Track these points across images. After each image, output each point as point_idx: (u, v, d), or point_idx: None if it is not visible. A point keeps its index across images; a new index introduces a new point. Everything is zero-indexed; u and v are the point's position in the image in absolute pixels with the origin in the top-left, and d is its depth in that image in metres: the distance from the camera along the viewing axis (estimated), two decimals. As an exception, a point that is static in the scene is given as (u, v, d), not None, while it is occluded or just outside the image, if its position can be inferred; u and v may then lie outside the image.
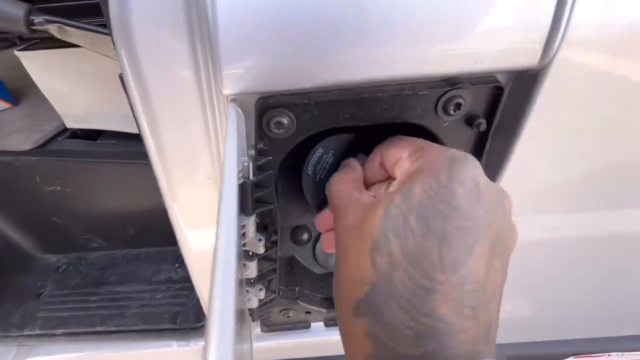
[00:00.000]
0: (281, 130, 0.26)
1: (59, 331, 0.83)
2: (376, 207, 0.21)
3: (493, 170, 0.32)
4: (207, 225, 0.42)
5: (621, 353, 0.63)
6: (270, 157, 0.28)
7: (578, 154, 0.31)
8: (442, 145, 0.23)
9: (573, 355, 0.63)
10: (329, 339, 0.59)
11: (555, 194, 0.35)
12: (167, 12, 0.25)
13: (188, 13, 0.24)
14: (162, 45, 0.26)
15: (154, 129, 0.33)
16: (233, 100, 0.25)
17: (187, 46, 0.26)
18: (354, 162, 0.29)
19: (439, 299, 0.17)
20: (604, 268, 0.52)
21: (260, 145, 0.27)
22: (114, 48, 0.31)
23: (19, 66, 0.77)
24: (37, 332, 0.83)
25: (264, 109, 0.25)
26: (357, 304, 0.19)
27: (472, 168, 0.20)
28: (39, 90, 0.80)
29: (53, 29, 0.55)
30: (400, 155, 0.23)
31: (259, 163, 0.28)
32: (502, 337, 0.63)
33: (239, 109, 0.24)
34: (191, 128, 0.31)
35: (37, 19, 0.53)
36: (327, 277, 0.52)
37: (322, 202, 0.40)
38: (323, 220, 0.32)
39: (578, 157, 0.31)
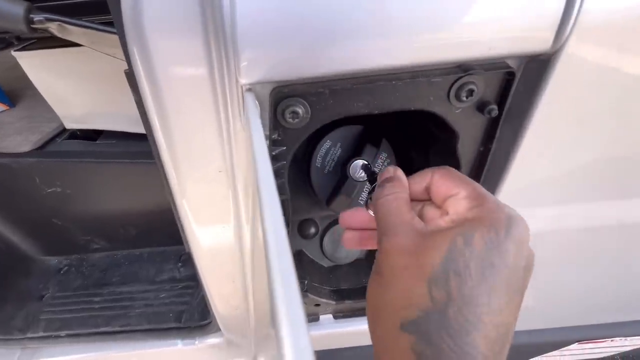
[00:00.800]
0: (296, 120, 0.26)
1: (62, 333, 0.83)
2: (437, 241, 0.23)
3: (503, 157, 0.32)
4: (216, 222, 0.42)
5: (624, 338, 0.64)
6: (284, 148, 0.29)
7: (589, 140, 0.31)
8: (497, 199, 0.25)
9: (577, 341, 0.64)
10: (338, 331, 0.59)
11: (564, 181, 0.36)
12: (180, 5, 0.25)
13: (202, 5, 0.24)
14: (174, 39, 0.26)
15: (165, 124, 0.32)
16: (249, 90, 0.25)
17: (200, 38, 0.26)
18: (401, 175, 0.28)
19: (480, 335, 0.21)
20: (607, 256, 0.52)
21: (275, 136, 0.27)
22: (122, 45, 0.31)
23: (15, 67, 0.76)
24: (41, 334, 0.83)
25: (279, 99, 0.25)
26: (406, 321, 0.22)
27: (524, 230, 0.23)
28: (36, 92, 0.79)
29: (53, 28, 0.54)
30: (455, 193, 0.25)
31: (273, 153, 0.28)
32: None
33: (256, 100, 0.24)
34: (203, 121, 0.31)
35: (37, 17, 0.52)
36: (335, 270, 0.52)
37: (331, 195, 0.40)
38: (349, 217, 0.31)
39: (588, 143, 0.32)
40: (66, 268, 0.98)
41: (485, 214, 0.23)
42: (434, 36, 0.23)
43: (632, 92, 0.28)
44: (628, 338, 0.64)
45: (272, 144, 0.28)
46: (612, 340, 0.65)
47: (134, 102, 0.40)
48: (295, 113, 0.26)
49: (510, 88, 0.27)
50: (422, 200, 0.28)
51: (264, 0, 0.21)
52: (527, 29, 0.24)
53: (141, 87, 0.31)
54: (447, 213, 0.25)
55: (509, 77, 0.26)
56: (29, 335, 0.82)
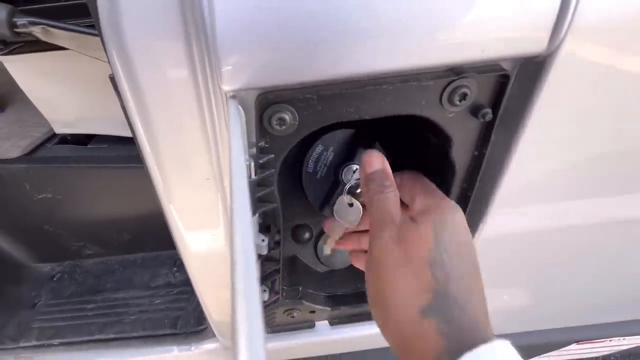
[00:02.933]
0: (283, 127, 0.25)
1: (56, 341, 0.82)
2: (423, 232, 0.26)
3: (498, 161, 0.31)
4: (206, 227, 0.41)
5: (622, 337, 0.64)
6: (272, 155, 0.28)
7: (585, 141, 0.31)
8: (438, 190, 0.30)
9: (575, 342, 0.64)
10: (334, 337, 0.58)
11: (560, 182, 0.35)
12: (159, 8, 0.24)
13: (182, 8, 0.23)
14: (155, 43, 0.25)
15: (149, 131, 0.31)
16: (233, 97, 0.24)
17: (182, 43, 0.25)
18: (388, 168, 0.31)
19: (476, 298, 0.24)
20: (603, 255, 0.52)
21: (262, 143, 0.26)
22: (104, 48, 0.30)
23: (2, 71, 0.75)
24: (34, 343, 0.81)
25: (265, 105, 0.24)
26: (425, 307, 0.24)
27: (461, 213, 0.28)
28: (25, 96, 0.78)
29: (38, 31, 0.53)
30: (417, 190, 0.30)
31: (261, 162, 0.27)
32: (505, 327, 0.64)
33: (240, 107, 0.23)
34: (188, 128, 0.30)
35: (21, 20, 0.51)
36: (330, 275, 0.51)
37: (324, 201, 0.39)
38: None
39: (585, 144, 0.31)
40: (59, 275, 0.96)
41: (441, 204, 0.28)
42: (425, 39, 0.22)
43: (629, 92, 0.27)
44: (626, 337, 0.64)
45: (260, 151, 0.27)
46: (610, 340, 0.64)
47: (122, 106, 0.38)
48: (282, 120, 0.25)
49: (504, 91, 0.26)
50: None
51: (244, 4, 0.20)
52: (521, 30, 0.23)
53: (122, 92, 0.30)
54: (413, 207, 0.29)
55: (503, 80, 0.26)
56: (22, 344, 0.81)
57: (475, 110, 0.27)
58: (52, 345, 0.81)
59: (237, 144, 0.18)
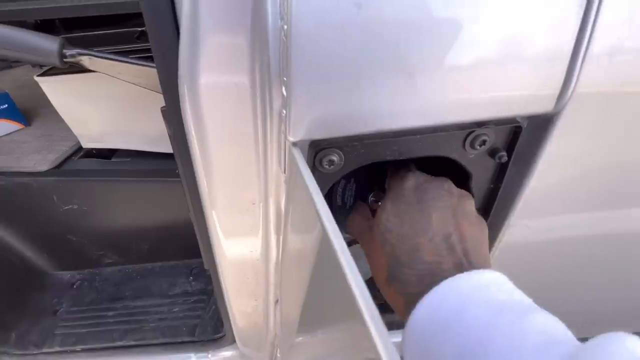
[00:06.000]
0: (331, 167, 0.30)
1: (78, 347, 0.84)
2: (381, 205, 0.32)
3: (512, 194, 0.36)
4: (246, 241, 0.43)
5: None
6: (318, 190, 0.32)
7: (589, 179, 0.36)
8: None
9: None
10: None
11: (567, 204, 0.40)
12: (234, 57, 0.27)
13: (252, 62, 0.27)
14: (226, 88, 0.29)
15: (204, 153, 0.34)
16: (294, 144, 0.28)
17: (249, 91, 0.29)
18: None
19: (424, 253, 0.28)
20: (613, 267, 0.55)
21: (311, 180, 0.31)
22: (162, 82, 0.34)
23: (26, 85, 0.78)
24: (57, 349, 0.84)
25: (318, 150, 0.29)
26: (386, 278, 0.29)
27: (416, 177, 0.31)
28: (49, 110, 0.81)
29: (84, 60, 0.58)
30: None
31: (309, 196, 0.32)
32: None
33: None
34: (243, 161, 0.34)
35: (70, 51, 0.56)
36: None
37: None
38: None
39: (589, 182, 0.36)
40: (79, 282, 0.99)
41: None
42: (459, 103, 0.27)
43: (627, 140, 0.32)
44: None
45: (308, 187, 0.31)
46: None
47: (149, 122, 0.39)
48: (331, 161, 0.29)
49: (517, 138, 0.31)
50: None
51: (318, 72, 0.24)
52: (533, 94, 0.28)
53: (186, 123, 0.33)
54: None
55: (517, 129, 0.31)
56: (45, 350, 0.83)
57: (492, 153, 0.32)
58: (74, 351, 0.83)
59: (315, 187, 0.23)
